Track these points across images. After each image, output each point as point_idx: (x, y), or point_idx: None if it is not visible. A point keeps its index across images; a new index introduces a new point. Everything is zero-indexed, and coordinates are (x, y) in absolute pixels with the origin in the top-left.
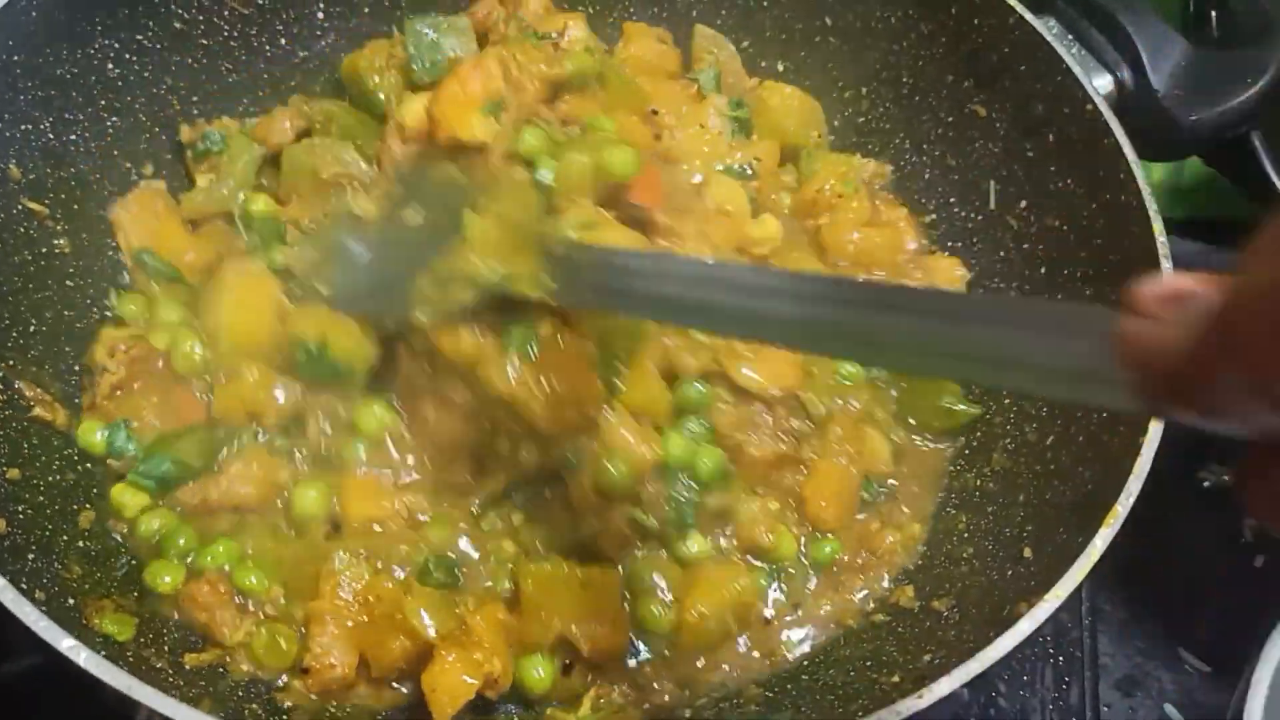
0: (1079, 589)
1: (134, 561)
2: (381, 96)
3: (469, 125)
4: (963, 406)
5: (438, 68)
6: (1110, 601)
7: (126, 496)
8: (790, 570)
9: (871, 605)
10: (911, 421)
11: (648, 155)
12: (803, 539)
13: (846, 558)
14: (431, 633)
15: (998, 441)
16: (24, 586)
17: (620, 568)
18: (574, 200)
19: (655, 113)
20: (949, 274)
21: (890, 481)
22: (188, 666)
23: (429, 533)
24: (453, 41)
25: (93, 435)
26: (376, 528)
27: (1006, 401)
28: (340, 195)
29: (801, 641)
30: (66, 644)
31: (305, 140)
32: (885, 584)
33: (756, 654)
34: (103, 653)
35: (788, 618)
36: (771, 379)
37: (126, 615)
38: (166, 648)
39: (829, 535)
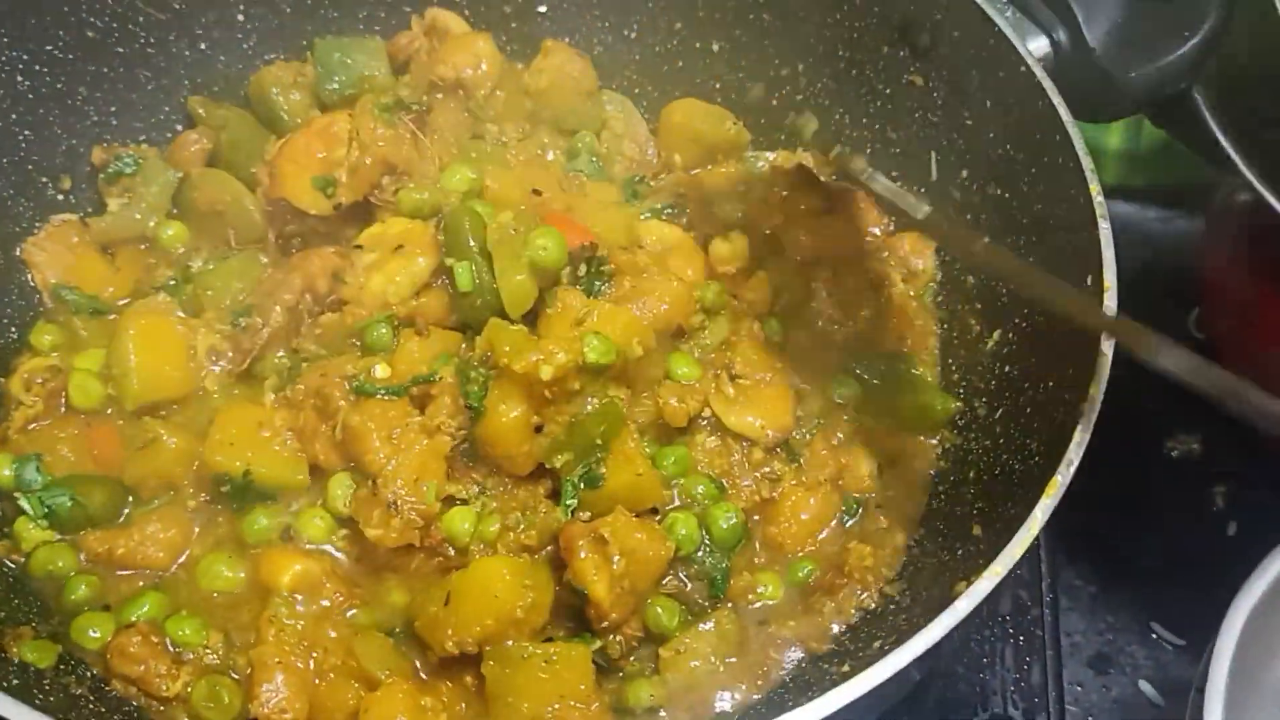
0: (1038, 565)
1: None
2: (284, 115)
3: (300, 195)
4: (940, 404)
5: (347, 86)
6: (1079, 577)
7: (27, 527)
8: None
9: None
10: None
11: (549, 205)
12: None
13: (818, 575)
14: (384, 678)
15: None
16: None
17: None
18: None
19: (538, 193)
20: (918, 249)
21: (869, 495)
22: (111, 692)
23: (390, 596)
24: (364, 61)
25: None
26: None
27: (955, 377)
28: (220, 225)
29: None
30: None
31: (194, 171)
32: (856, 606)
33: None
34: (15, 682)
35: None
36: (768, 421)
37: (47, 642)
38: (89, 673)
39: (802, 557)
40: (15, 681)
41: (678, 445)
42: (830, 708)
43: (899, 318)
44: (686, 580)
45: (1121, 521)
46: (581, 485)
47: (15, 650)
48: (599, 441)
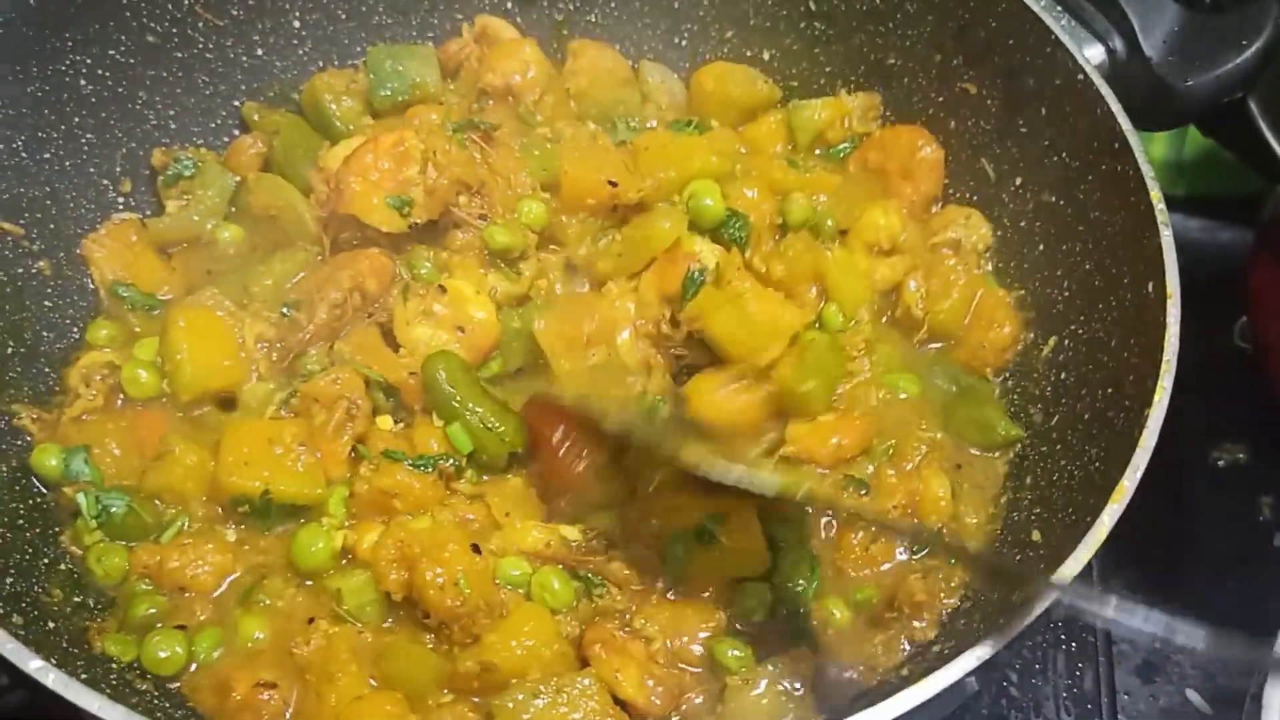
0: (1090, 570)
1: (115, 591)
2: (337, 122)
3: (372, 212)
4: (1003, 429)
5: (399, 93)
6: (1126, 586)
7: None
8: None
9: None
10: (964, 438)
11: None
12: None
13: (875, 604)
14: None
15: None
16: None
17: None
18: None
19: (614, 184)
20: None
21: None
22: (173, 689)
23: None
24: (415, 68)
25: (47, 459)
26: None
27: (1010, 383)
28: (275, 229)
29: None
30: (34, 665)
31: (251, 175)
32: (907, 641)
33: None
34: (84, 676)
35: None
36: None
37: (128, 636)
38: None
39: (862, 581)
40: (84, 676)
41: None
42: (888, 715)
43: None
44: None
45: (1168, 531)
46: (694, 542)
47: (100, 645)
48: (834, 369)
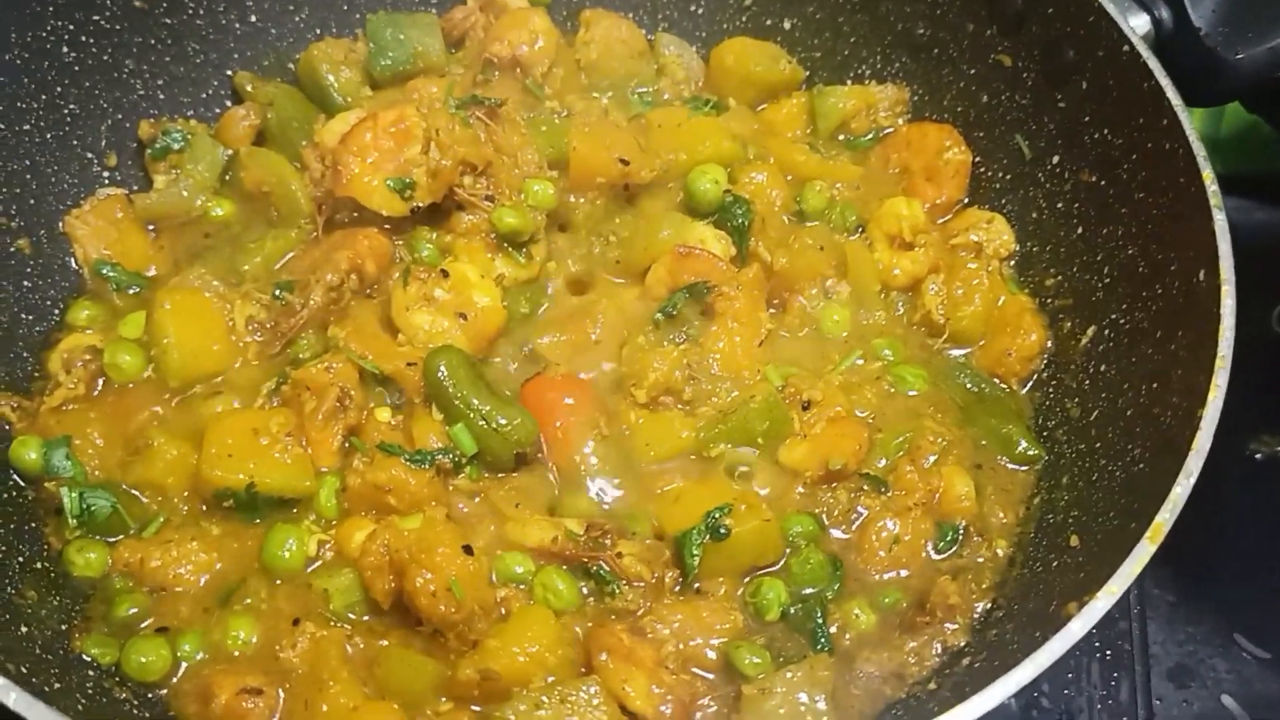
0: None
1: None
2: (335, 94)
3: (371, 195)
4: (1024, 447)
5: (400, 63)
6: (1158, 586)
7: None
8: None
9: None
10: (984, 443)
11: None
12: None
13: (904, 606)
14: None
15: (1037, 420)
16: None
17: None
18: None
19: (626, 162)
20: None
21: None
22: (153, 698)
23: None
24: (417, 37)
25: (26, 452)
26: None
27: (1045, 375)
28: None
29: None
30: None
31: (243, 150)
32: (940, 649)
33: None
34: (58, 686)
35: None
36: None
37: (111, 639)
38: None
39: (888, 584)
40: (58, 685)
41: None
42: None
43: (1010, 321)
44: (771, 643)
45: (1201, 526)
46: (707, 538)
47: (80, 646)
48: (760, 440)
